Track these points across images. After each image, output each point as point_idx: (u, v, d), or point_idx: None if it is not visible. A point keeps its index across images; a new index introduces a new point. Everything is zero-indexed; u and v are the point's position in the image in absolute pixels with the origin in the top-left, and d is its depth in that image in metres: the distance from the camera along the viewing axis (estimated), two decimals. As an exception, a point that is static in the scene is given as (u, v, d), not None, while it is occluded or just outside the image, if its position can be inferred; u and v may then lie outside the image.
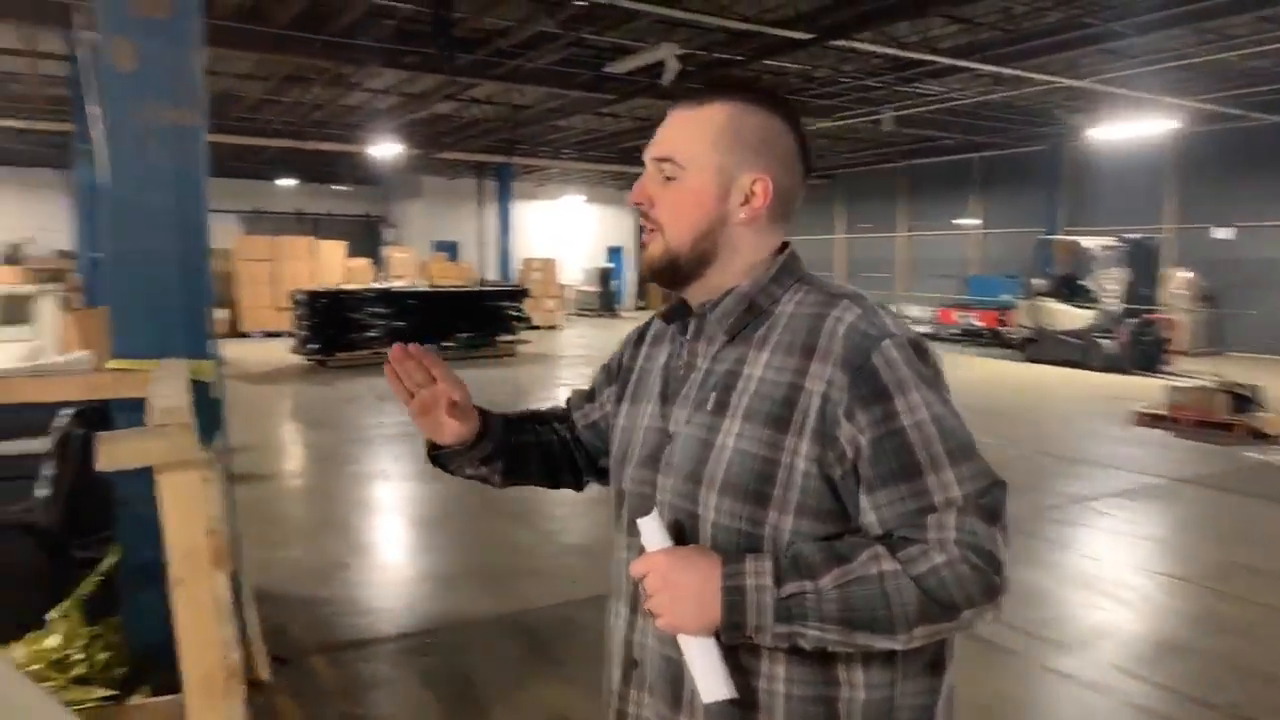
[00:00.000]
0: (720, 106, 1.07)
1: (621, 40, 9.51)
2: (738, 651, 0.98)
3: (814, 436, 0.97)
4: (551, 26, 8.87)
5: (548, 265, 20.44)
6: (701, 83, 9.97)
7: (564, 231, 25.70)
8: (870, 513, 0.97)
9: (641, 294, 25.53)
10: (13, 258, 17.13)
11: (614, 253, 26.68)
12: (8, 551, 2.76)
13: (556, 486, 1.35)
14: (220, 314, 16.45)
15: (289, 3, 8.40)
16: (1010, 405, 9.78)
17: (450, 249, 23.32)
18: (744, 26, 8.73)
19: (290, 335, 13.32)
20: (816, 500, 0.98)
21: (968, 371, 12.56)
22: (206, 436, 2.64)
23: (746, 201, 1.06)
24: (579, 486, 1.35)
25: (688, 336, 1.13)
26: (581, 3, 7.96)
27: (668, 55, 8.88)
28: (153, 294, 2.67)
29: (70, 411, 3.05)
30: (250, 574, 3.28)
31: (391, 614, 4.01)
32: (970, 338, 16.42)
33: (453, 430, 1.17)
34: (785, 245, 1.12)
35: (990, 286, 17.72)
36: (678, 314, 1.14)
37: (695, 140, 1.06)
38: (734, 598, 0.92)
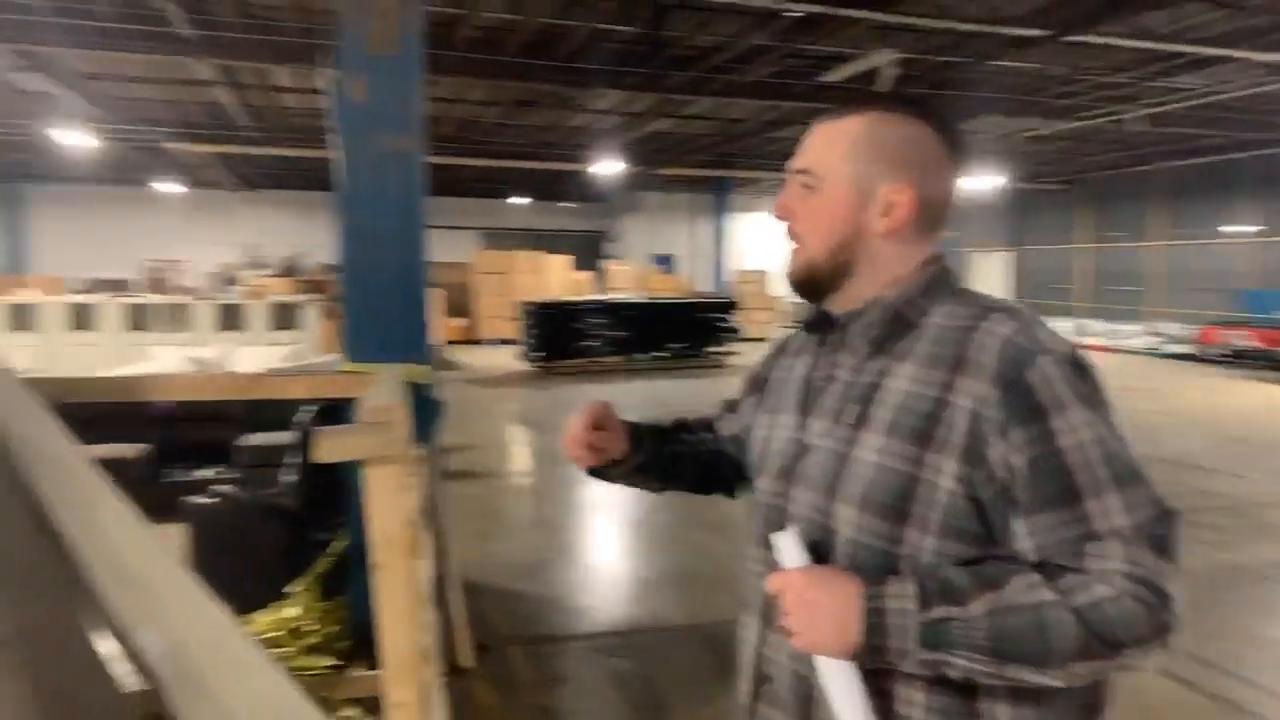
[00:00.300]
0: (859, 118, 1.05)
1: (839, 48, 9.33)
2: (876, 674, 0.94)
3: (961, 454, 0.92)
4: (765, 39, 8.86)
5: (760, 277, 20.41)
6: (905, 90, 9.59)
7: (778, 243, 25.56)
8: (1025, 539, 0.91)
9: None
10: (289, 270, 19.53)
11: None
12: (259, 529, 3.14)
13: (709, 493, 1.37)
14: (460, 322, 17.91)
15: (518, 32, 8.98)
16: (1283, 437, 8.58)
17: (666, 262, 23.89)
18: (967, 27, 8.28)
19: (518, 343, 14.18)
20: (960, 521, 0.93)
21: (1234, 397, 11.17)
22: (420, 436, 2.88)
23: (886, 213, 1.03)
24: (730, 494, 1.36)
25: (829, 348, 1.11)
26: (795, 13, 7.90)
27: (882, 62, 8.62)
28: (379, 304, 2.95)
29: (314, 408, 3.43)
30: (459, 565, 3.52)
31: (589, 613, 4.17)
32: (1242, 359, 14.51)
33: (603, 454, 1.24)
34: (938, 257, 1.07)
35: (1268, 301, 15.62)
36: (820, 325, 1.12)
37: (832, 152, 1.05)
38: (875, 620, 0.89)
